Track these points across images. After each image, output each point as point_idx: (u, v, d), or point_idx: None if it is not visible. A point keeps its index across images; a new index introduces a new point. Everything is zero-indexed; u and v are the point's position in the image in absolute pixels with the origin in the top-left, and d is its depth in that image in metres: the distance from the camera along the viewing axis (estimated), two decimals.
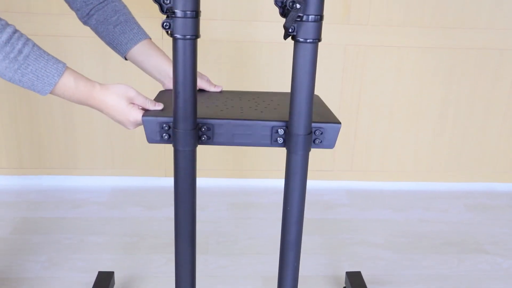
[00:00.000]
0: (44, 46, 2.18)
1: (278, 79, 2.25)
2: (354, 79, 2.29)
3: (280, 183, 2.37)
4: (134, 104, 1.09)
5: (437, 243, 2.04)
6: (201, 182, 2.39)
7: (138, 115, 1.09)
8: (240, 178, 2.43)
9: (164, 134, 1.04)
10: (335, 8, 2.16)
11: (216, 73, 2.23)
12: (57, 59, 1.04)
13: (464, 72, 2.30)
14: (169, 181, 2.39)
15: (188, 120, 0.97)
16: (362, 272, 1.80)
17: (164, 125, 1.04)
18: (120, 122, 1.11)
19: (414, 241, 2.04)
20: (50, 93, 1.05)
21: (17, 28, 1.02)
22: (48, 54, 1.03)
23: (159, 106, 1.10)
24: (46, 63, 1.02)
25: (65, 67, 1.04)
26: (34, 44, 1.01)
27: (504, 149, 2.45)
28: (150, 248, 1.92)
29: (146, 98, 1.10)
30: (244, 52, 2.21)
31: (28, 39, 1.01)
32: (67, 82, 1.05)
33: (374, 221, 2.19)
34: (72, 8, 1.28)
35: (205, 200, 2.28)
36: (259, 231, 2.07)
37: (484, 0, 2.19)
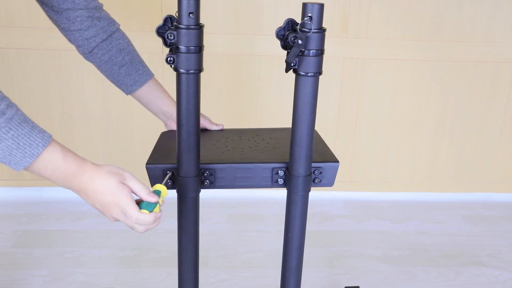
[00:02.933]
0: (46, 60, 2.21)
1: (277, 93, 2.27)
2: (352, 91, 2.31)
3: (279, 194, 2.40)
4: (125, 184, 0.91)
5: (435, 255, 2.06)
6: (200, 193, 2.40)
7: (129, 200, 0.89)
8: (239, 189, 2.45)
9: (168, 181, 1.05)
10: (333, 22, 2.18)
11: (216, 87, 2.25)
12: (42, 128, 0.87)
13: (461, 84, 2.33)
14: (170, 193, 2.40)
15: (191, 167, 0.99)
16: (360, 286, 1.83)
17: (168, 171, 1.04)
18: (104, 207, 0.91)
19: (412, 254, 2.07)
20: (27, 168, 0.86)
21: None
22: (33, 122, 0.87)
23: (153, 198, 0.92)
24: (31, 130, 0.85)
25: (52, 137, 0.88)
26: (18, 108, 0.86)
27: (501, 160, 2.47)
28: (150, 262, 1.94)
29: (142, 183, 0.93)
30: (244, 65, 2.23)
31: (12, 102, 0.85)
32: (53, 154, 0.87)
33: (372, 232, 2.21)
34: (72, 43, 1.21)
35: (205, 212, 2.30)
36: (259, 244, 2.09)
37: (481, 14, 2.21)
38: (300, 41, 0.90)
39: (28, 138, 0.84)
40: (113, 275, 1.86)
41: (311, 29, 0.90)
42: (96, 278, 1.84)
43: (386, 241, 2.15)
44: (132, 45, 1.26)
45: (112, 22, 1.21)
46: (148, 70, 1.26)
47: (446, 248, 2.12)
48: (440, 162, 2.46)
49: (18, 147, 0.83)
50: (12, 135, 0.82)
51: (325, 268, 1.95)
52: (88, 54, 1.20)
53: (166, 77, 2.13)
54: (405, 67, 2.28)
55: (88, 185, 0.89)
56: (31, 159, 0.84)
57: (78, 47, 1.20)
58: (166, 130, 1.32)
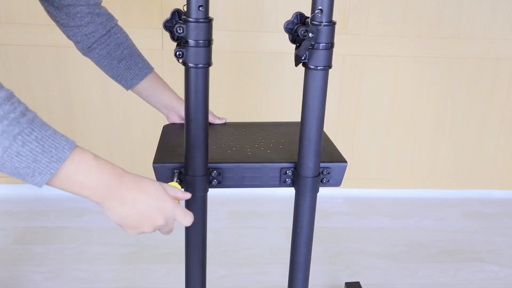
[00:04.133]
0: (46, 57, 2.20)
1: (278, 90, 2.27)
2: (352, 88, 2.31)
3: (280, 191, 2.40)
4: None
5: (434, 251, 2.07)
6: None
7: (177, 204, 0.84)
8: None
9: (176, 180, 1.02)
10: (333, 18, 2.18)
11: (216, 85, 2.24)
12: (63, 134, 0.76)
13: (461, 81, 2.33)
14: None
15: (199, 166, 0.98)
16: (360, 282, 1.83)
17: (176, 170, 1.02)
18: (148, 214, 0.81)
19: (412, 250, 2.07)
20: (53, 176, 0.72)
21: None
22: (53, 128, 0.75)
23: (188, 195, 0.91)
24: (54, 133, 0.73)
25: (75, 143, 0.76)
26: (36, 113, 0.75)
27: (500, 157, 2.48)
28: (151, 258, 1.93)
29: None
30: (245, 62, 2.22)
31: (28, 107, 0.75)
32: (84, 156, 0.75)
33: (372, 229, 2.22)
34: (70, 39, 1.20)
35: None
36: (259, 240, 2.09)
37: (480, 10, 2.22)
38: (311, 34, 0.90)
39: (53, 140, 0.72)
40: (114, 271, 1.85)
41: (322, 22, 0.90)
42: (97, 275, 1.83)
43: (387, 237, 2.16)
44: (130, 39, 1.25)
45: (110, 17, 1.21)
46: (147, 63, 1.26)
47: (446, 245, 2.12)
48: (440, 160, 2.47)
49: (43, 151, 0.70)
50: (36, 136, 0.70)
51: (325, 265, 1.95)
52: (87, 49, 1.19)
53: (166, 74, 2.12)
54: (405, 64, 2.29)
55: (130, 191, 0.79)
56: (58, 164, 0.71)
57: (76, 43, 1.19)
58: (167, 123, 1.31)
